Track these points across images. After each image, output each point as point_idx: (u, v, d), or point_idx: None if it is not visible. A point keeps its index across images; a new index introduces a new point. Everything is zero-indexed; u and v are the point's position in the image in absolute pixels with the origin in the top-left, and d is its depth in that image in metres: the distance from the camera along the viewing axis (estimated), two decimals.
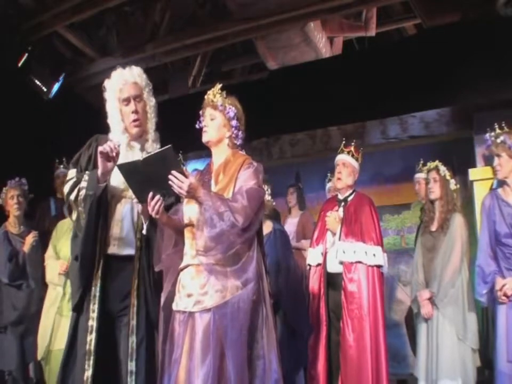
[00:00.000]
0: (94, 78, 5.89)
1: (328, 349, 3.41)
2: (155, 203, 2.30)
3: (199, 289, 2.29)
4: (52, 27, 5.29)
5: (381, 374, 3.27)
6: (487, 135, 3.38)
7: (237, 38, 5.56)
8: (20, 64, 5.29)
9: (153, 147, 2.68)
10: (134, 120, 2.61)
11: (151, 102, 2.70)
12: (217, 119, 2.52)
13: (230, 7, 5.22)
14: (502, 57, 4.44)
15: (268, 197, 3.94)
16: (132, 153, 2.62)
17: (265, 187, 3.96)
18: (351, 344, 3.29)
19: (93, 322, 2.49)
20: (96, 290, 2.52)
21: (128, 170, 2.35)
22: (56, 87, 5.72)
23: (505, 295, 3.15)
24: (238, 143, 2.56)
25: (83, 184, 2.53)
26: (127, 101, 2.61)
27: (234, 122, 2.51)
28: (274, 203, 4.39)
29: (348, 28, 6.28)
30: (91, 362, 2.45)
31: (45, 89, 5.63)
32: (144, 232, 2.54)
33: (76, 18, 5.19)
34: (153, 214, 2.33)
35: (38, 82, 5.55)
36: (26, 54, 5.31)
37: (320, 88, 5.23)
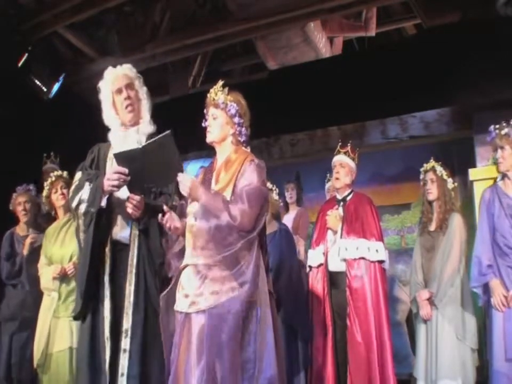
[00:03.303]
0: (94, 78, 5.85)
1: (335, 349, 3.41)
2: (166, 221, 2.37)
3: (195, 290, 2.29)
4: (52, 27, 5.29)
5: (386, 370, 3.29)
6: (492, 127, 3.36)
7: (237, 38, 5.56)
8: (20, 64, 5.29)
9: (148, 129, 2.77)
10: (127, 106, 2.73)
11: (143, 90, 2.83)
12: (220, 118, 2.51)
13: (230, 7, 5.22)
14: (502, 57, 4.45)
15: (275, 197, 3.98)
16: (127, 139, 2.70)
17: (273, 187, 3.99)
18: (359, 341, 3.29)
19: (107, 306, 2.56)
20: (105, 275, 2.58)
21: (125, 158, 2.40)
22: (56, 87, 5.72)
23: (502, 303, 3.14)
24: (241, 140, 2.54)
25: (84, 195, 2.57)
26: (119, 91, 2.75)
27: (236, 119, 2.50)
28: (282, 203, 4.40)
29: (348, 27, 6.28)
30: (108, 346, 2.51)
31: (45, 89, 5.62)
32: (140, 227, 2.60)
33: (76, 18, 5.18)
34: (167, 230, 2.41)
35: (38, 82, 5.55)
36: (26, 54, 5.31)
37: (320, 88, 5.23)
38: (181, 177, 2.31)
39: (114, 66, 2.83)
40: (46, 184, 3.88)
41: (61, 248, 3.64)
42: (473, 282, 3.30)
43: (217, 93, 2.52)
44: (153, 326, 2.52)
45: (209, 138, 2.53)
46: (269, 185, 3.85)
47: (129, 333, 2.52)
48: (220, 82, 2.56)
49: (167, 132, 2.35)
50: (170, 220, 2.38)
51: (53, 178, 3.84)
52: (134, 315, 2.54)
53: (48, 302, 3.62)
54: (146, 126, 2.78)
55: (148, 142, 2.43)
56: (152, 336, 2.52)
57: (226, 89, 2.53)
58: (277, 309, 3.35)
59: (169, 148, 2.33)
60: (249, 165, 2.40)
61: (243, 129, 2.52)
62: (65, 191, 3.72)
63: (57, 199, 3.80)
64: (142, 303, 2.56)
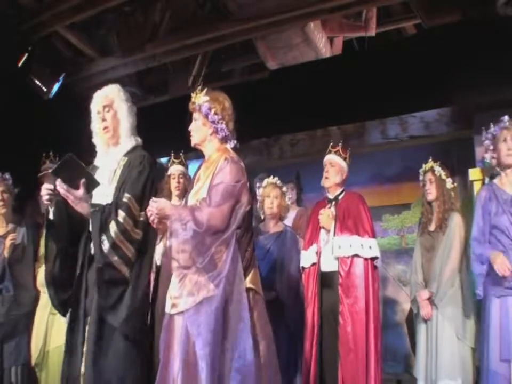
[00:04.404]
0: (94, 78, 5.88)
1: (320, 351, 3.40)
2: (150, 215, 2.39)
3: (175, 292, 2.34)
4: (52, 27, 5.28)
5: (370, 367, 3.28)
6: (505, 116, 3.32)
7: (237, 38, 5.55)
8: (20, 64, 5.29)
9: (127, 146, 2.81)
10: (103, 128, 2.79)
11: (122, 109, 2.84)
12: (198, 120, 2.57)
13: (230, 7, 5.21)
14: (502, 57, 4.44)
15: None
16: (108, 160, 2.78)
17: (287, 190, 4.03)
18: (350, 339, 3.30)
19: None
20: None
21: (53, 175, 2.56)
22: (56, 87, 5.72)
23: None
24: (220, 136, 2.55)
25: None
26: (98, 113, 2.82)
27: (211, 117, 2.52)
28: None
29: (348, 27, 6.27)
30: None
31: (45, 89, 5.63)
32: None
33: (76, 18, 5.19)
34: (154, 226, 2.43)
35: (38, 82, 5.55)
36: (26, 54, 5.30)
37: (320, 88, 5.23)
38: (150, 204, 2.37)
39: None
40: (44, 180, 3.87)
41: None
42: (476, 270, 3.25)
43: (196, 96, 2.57)
44: (103, 342, 2.50)
45: (192, 142, 2.59)
46: (284, 189, 3.91)
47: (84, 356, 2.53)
48: (198, 87, 2.61)
49: (67, 155, 2.52)
50: (152, 217, 2.39)
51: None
52: (89, 329, 2.53)
53: (45, 299, 3.62)
54: (125, 145, 2.81)
55: (54, 166, 2.58)
56: (105, 353, 2.49)
57: (204, 91, 2.58)
58: (278, 309, 3.36)
59: (75, 167, 2.51)
60: (223, 162, 2.43)
61: (221, 125, 2.53)
62: None
63: None
64: (92, 323, 2.53)
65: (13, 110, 4.97)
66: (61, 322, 3.53)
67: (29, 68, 5.41)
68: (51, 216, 2.67)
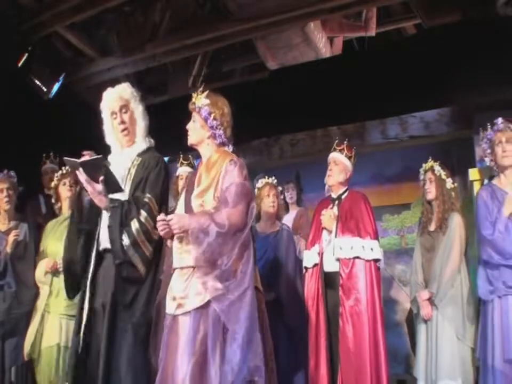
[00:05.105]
0: (94, 78, 5.89)
1: (330, 351, 3.39)
2: (159, 226, 2.40)
3: (181, 292, 2.33)
4: (52, 27, 5.28)
5: (380, 370, 3.26)
6: (499, 119, 3.34)
7: (237, 38, 5.55)
8: (20, 64, 5.29)
9: (141, 147, 2.85)
10: (122, 130, 2.81)
11: (138, 109, 2.87)
12: (196, 122, 2.57)
13: (230, 7, 5.22)
14: (502, 57, 4.44)
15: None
16: (122, 160, 2.80)
17: (279, 189, 4.04)
18: (351, 341, 3.28)
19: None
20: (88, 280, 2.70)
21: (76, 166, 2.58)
22: (56, 87, 5.73)
23: None
24: (218, 142, 2.56)
25: None
26: (114, 114, 2.82)
27: (209, 122, 2.53)
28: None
29: (348, 27, 6.27)
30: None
31: (45, 89, 5.63)
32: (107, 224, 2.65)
33: (76, 18, 5.19)
34: (161, 234, 2.44)
35: (38, 82, 5.55)
36: (26, 54, 5.31)
37: (320, 88, 5.23)
38: (159, 218, 2.38)
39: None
40: (56, 176, 3.90)
41: (57, 243, 3.61)
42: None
43: (197, 97, 2.58)
44: (119, 337, 2.53)
45: (188, 141, 2.60)
46: (279, 189, 3.92)
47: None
48: (200, 88, 2.61)
49: (100, 156, 2.55)
50: (161, 228, 2.40)
51: (64, 171, 3.87)
52: (104, 325, 2.55)
53: (42, 295, 3.64)
54: (140, 145, 2.84)
55: (84, 159, 2.57)
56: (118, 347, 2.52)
57: (205, 93, 2.58)
58: (277, 308, 3.36)
59: (98, 168, 2.54)
60: (229, 165, 2.44)
61: (219, 131, 2.55)
62: (73, 186, 3.74)
63: (64, 191, 3.82)
64: (107, 313, 2.55)
65: (13, 110, 4.97)
66: (53, 322, 3.55)
67: (29, 68, 5.41)
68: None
